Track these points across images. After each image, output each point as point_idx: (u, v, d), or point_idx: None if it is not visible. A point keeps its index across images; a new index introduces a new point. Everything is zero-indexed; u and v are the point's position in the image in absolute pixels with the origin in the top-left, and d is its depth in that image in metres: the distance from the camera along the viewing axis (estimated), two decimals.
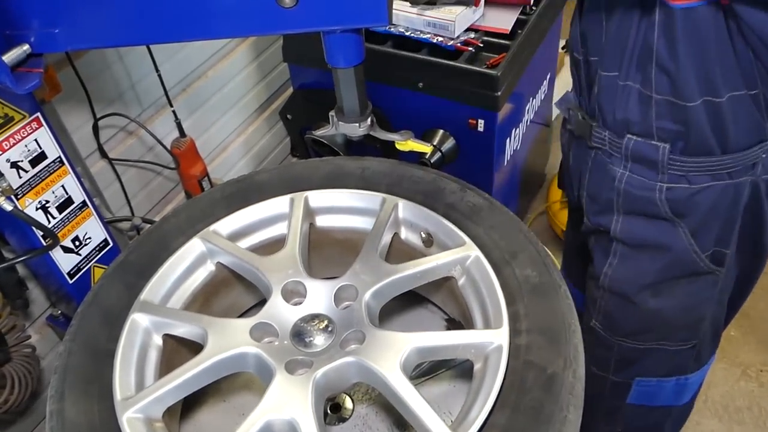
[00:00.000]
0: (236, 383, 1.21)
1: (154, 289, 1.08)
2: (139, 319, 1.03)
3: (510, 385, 0.87)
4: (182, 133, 1.69)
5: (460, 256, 1.05)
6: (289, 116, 2.07)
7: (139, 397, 0.93)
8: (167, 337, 1.06)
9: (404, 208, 1.14)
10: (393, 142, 1.08)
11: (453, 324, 1.19)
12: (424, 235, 1.13)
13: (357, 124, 1.02)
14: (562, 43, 2.85)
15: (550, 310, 0.96)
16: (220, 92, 1.88)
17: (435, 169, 1.22)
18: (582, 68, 1.12)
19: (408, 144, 1.07)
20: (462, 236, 1.07)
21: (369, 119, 1.02)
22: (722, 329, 1.24)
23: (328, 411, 1.13)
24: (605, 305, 1.18)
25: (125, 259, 1.13)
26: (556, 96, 2.55)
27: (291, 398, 0.90)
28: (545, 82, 2.13)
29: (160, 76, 1.58)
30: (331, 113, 1.03)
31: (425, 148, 1.06)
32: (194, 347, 1.03)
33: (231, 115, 1.95)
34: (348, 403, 1.15)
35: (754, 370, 2.04)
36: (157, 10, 0.83)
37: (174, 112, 1.65)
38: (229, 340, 0.98)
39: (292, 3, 0.81)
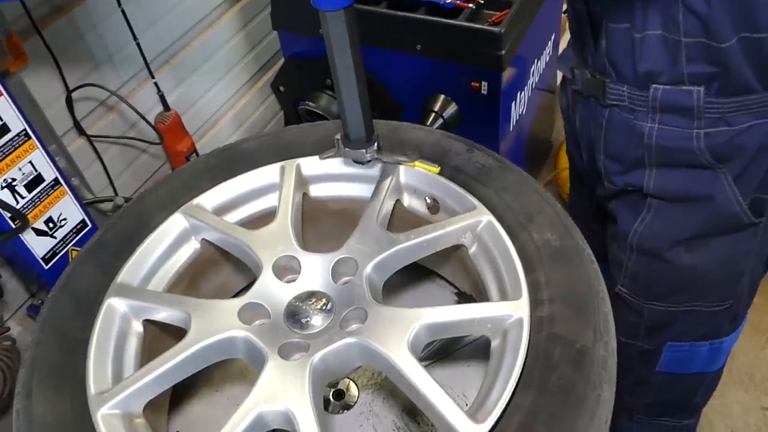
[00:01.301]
0: (230, 371, 1.12)
1: (132, 270, 0.97)
2: (115, 304, 0.93)
3: (534, 362, 0.77)
4: (166, 107, 1.58)
5: (471, 221, 0.94)
6: (281, 88, 1.96)
7: (116, 391, 0.83)
8: (148, 323, 0.96)
9: (406, 172, 1.03)
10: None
11: (464, 298, 1.09)
12: (429, 201, 1.02)
13: (364, 150, 0.98)
14: (564, 6, 2.75)
15: (574, 276, 0.85)
16: (206, 63, 1.76)
17: (438, 130, 1.11)
18: (585, 20, 1.01)
19: (416, 165, 1.01)
20: (471, 200, 0.96)
21: (375, 144, 0.98)
22: (758, 286, 1.14)
23: (331, 398, 1.04)
24: (633, 266, 1.09)
25: (100, 238, 1.03)
26: None
27: (285, 386, 0.80)
28: (549, 44, 2.01)
29: (138, 45, 1.47)
30: (337, 137, 0.99)
31: (433, 168, 1.00)
32: (179, 334, 0.92)
33: (219, 87, 1.84)
34: (353, 389, 1.06)
35: None
36: None
37: (156, 83, 1.54)
38: (215, 323, 0.88)
39: None
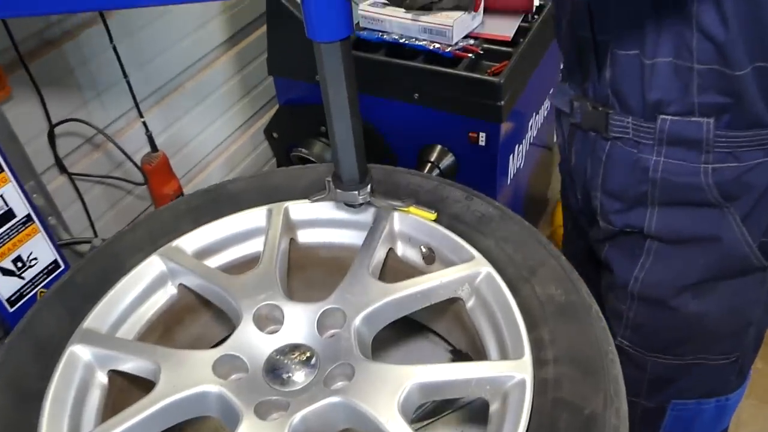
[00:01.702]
0: (203, 428, 1.03)
1: (100, 315, 0.90)
2: (79, 352, 0.85)
3: (537, 429, 0.69)
4: (154, 148, 1.53)
5: (469, 272, 0.87)
6: (275, 134, 1.93)
7: None
8: (115, 375, 0.87)
9: (400, 218, 0.97)
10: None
11: (460, 357, 1.01)
12: (424, 250, 0.96)
13: (356, 192, 0.93)
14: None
15: (581, 335, 0.78)
16: (199, 106, 1.73)
17: (436, 176, 1.05)
18: (589, 49, 0.97)
19: (410, 210, 0.96)
20: (470, 250, 0.90)
21: (368, 186, 0.93)
22: (762, 339, 1.07)
23: None
24: (635, 316, 1.02)
25: (69, 279, 0.95)
26: None
27: None
28: (548, 99, 1.99)
29: (129, 83, 1.42)
30: (328, 179, 0.94)
31: (429, 215, 0.95)
32: (150, 387, 0.84)
33: (211, 131, 1.79)
34: None
35: None
36: None
37: (145, 123, 1.49)
38: (187, 376, 0.80)
39: None
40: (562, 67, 1.14)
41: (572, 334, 0.78)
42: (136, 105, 1.48)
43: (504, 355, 0.81)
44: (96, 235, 1.48)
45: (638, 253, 0.99)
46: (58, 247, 1.19)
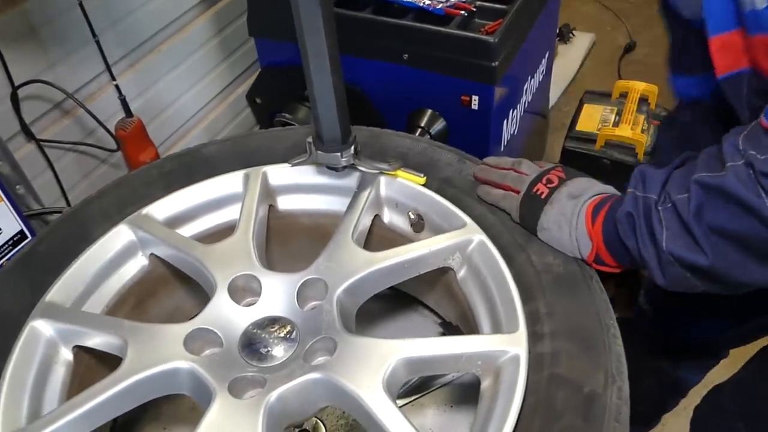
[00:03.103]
0: (181, 407, 0.98)
1: (64, 288, 0.84)
2: (40, 327, 0.79)
3: (532, 408, 0.64)
4: (128, 113, 1.45)
5: (460, 240, 0.82)
6: (257, 99, 1.84)
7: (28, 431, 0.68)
8: (81, 351, 0.81)
9: (387, 183, 0.91)
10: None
11: (449, 330, 0.96)
12: (413, 217, 0.90)
13: (339, 154, 0.86)
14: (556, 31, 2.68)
15: (580, 307, 0.73)
16: (176, 70, 1.64)
17: (426, 138, 0.99)
18: None
19: (398, 174, 0.90)
20: (461, 216, 0.84)
21: (352, 148, 0.87)
22: None
23: None
24: None
25: (31, 250, 0.89)
26: (555, 83, 2.35)
27: (235, 430, 0.66)
28: (543, 62, 1.92)
29: (98, 43, 1.34)
30: (309, 140, 0.88)
31: (418, 179, 0.89)
32: (117, 364, 0.78)
33: (190, 96, 1.71)
34: (320, 429, 0.92)
35: None
36: None
37: (117, 86, 1.40)
38: (156, 352, 0.74)
39: None
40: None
41: (571, 307, 0.73)
42: (108, 67, 1.39)
43: (497, 329, 0.75)
44: (69, 205, 1.40)
45: None
46: (25, 217, 1.12)
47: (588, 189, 0.78)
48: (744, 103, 0.73)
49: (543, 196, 0.79)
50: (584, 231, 0.75)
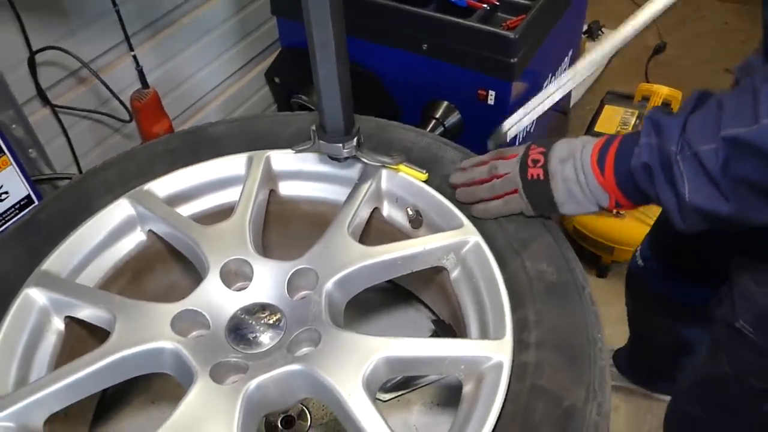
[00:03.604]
0: (170, 381, 0.98)
1: (61, 257, 0.84)
2: (34, 295, 0.80)
3: (511, 416, 0.64)
4: (145, 84, 1.45)
5: (455, 241, 0.81)
6: (276, 79, 1.84)
7: (12, 398, 0.70)
8: (72, 322, 0.82)
9: (389, 177, 0.90)
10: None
11: (442, 327, 0.95)
12: (411, 213, 0.89)
13: (341, 145, 0.86)
14: (584, 27, 2.63)
15: (569, 318, 0.72)
16: (196, 44, 1.64)
17: (431, 133, 0.98)
18: None
19: (400, 168, 0.89)
20: (459, 216, 0.83)
21: (355, 139, 0.86)
22: None
23: (280, 425, 0.91)
24: (765, 302, 0.90)
25: (32, 218, 0.90)
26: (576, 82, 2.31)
27: (211, 416, 0.67)
28: (566, 60, 1.89)
29: (118, 12, 1.34)
30: (313, 128, 0.88)
31: (420, 175, 0.88)
32: (106, 338, 0.79)
33: (208, 72, 1.71)
34: (304, 417, 0.92)
35: None
36: None
37: (135, 57, 1.41)
38: (142, 330, 0.75)
39: None
40: None
41: (560, 317, 0.71)
42: (127, 38, 1.39)
43: (484, 334, 0.75)
44: (80, 172, 1.42)
45: None
46: (32, 181, 1.13)
47: (573, 147, 0.78)
48: None
49: (542, 178, 0.78)
50: (597, 185, 0.75)
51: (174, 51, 1.59)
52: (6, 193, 1.07)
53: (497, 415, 0.63)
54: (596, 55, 0.99)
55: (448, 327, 0.93)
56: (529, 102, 1.02)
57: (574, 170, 0.76)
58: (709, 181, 0.65)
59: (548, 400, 0.64)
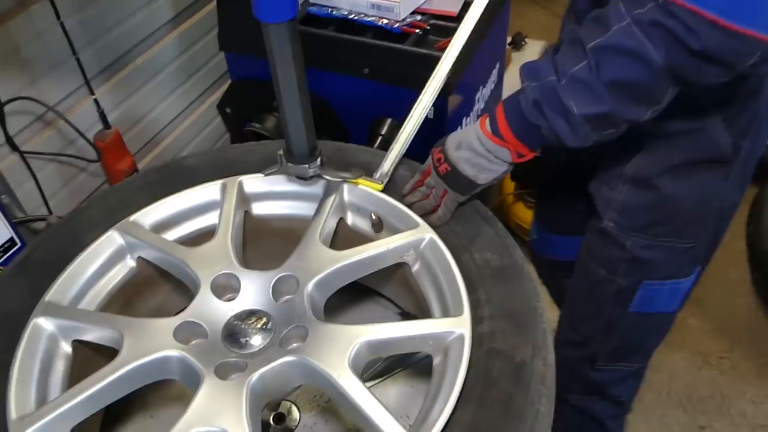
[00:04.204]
0: (166, 395, 1.08)
1: (61, 289, 0.93)
2: (42, 324, 0.89)
3: (474, 377, 0.77)
4: (106, 125, 1.53)
5: (414, 238, 0.94)
6: (228, 110, 1.94)
7: (39, 414, 0.79)
8: (78, 345, 0.92)
9: (350, 190, 1.03)
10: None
11: (407, 319, 1.08)
12: (374, 218, 1.02)
13: (307, 165, 1.00)
14: (508, 39, 2.83)
15: (513, 294, 0.86)
16: (150, 82, 1.73)
17: (382, 150, 1.11)
18: None
19: (359, 182, 1.03)
20: (415, 218, 0.97)
21: (318, 160, 1.00)
22: (716, 244, 1.23)
23: (272, 422, 1.01)
24: (624, 198, 1.12)
25: (28, 256, 0.99)
26: (510, 87, 2.50)
27: (222, 407, 0.78)
28: (494, 72, 2.06)
29: (78, 60, 1.42)
30: (280, 153, 1.01)
31: (376, 186, 1.03)
32: (112, 356, 0.88)
33: (163, 107, 1.79)
34: (294, 413, 1.03)
35: (714, 358, 2.01)
36: None
37: (96, 100, 1.49)
38: (149, 343, 0.85)
39: None
40: (569, 11, 1.21)
41: (505, 294, 0.86)
42: (87, 82, 1.47)
43: (446, 314, 0.88)
44: (50, 213, 1.48)
45: (634, 147, 1.09)
46: (14, 224, 1.20)
47: (461, 134, 0.98)
48: None
49: (449, 168, 0.96)
50: (496, 146, 0.93)
51: (130, 90, 1.67)
52: None
53: (464, 376, 0.76)
54: (438, 75, 1.19)
55: (413, 318, 1.05)
56: (398, 136, 1.15)
57: (470, 148, 0.94)
58: (589, 90, 0.83)
59: (503, 359, 0.77)
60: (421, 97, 1.14)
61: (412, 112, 1.14)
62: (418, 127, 1.14)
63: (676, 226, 1.14)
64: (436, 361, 0.83)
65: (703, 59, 0.78)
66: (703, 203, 1.12)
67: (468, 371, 0.77)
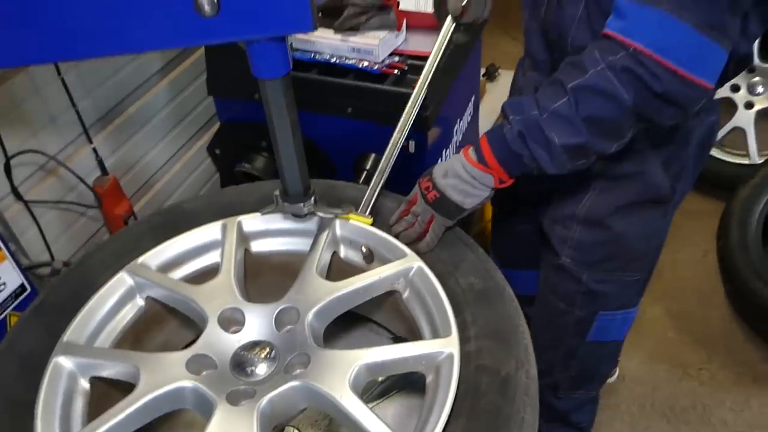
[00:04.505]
0: (176, 425, 1.14)
1: (78, 329, 1.00)
2: (62, 362, 0.95)
3: (464, 392, 0.85)
4: (104, 171, 1.61)
5: (403, 267, 1.02)
6: (217, 151, 2.02)
7: None
8: (96, 381, 0.98)
9: (341, 225, 1.11)
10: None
11: (399, 342, 1.16)
12: (365, 250, 1.10)
13: (302, 204, 1.07)
14: (482, 71, 2.96)
15: (496, 314, 0.94)
16: (143, 129, 1.81)
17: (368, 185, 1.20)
18: (557, 49, 1.17)
19: (350, 217, 1.11)
20: (403, 248, 1.05)
21: (312, 198, 1.08)
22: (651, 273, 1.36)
23: None
24: (578, 236, 1.24)
25: (44, 300, 1.05)
26: (486, 116, 2.61)
27: (235, 431, 0.84)
28: (470, 105, 2.17)
29: (77, 112, 1.51)
30: (276, 193, 1.08)
31: (366, 220, 1.11)
32: (127, 389, 0.95)
33: (156, 152, 1.88)
34: None
35: (694, 369, 2.09)
36: (71, 23, 0.78)
37: (95, 149, 1.57)
38: (164, 375, 0.92)
39: (212, 12, 0.78)
40: (525, 60, 1.33)
41: (489, 314, 0.94)
42: (85, 131, 1.56)
43: (435, 335, 0.96)
44: (53, 258, 1.55)
45: (585, 189, 1.21)
46: (23, 270, 1.27)
47: (446, 164, 1.07)
48: None
49: (438, 195, 1.05)
50: (480, 173, 1.03)
51: (125, 137, 1.76)
52: (4, 283, 1.20)
53: (455, 391, 0.84)
54: (405, 115, 1.29)
55: (403, 340, 1.13)
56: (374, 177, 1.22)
57: (456, 176, 1.04)
58: (569, 123, 0.95)
59: (489, 374, 0.85)
60: (394, 134, 1.25)
61: (387, 148, 1.23)
62: (393, 161, 1.22)
63: (625, 260, 1.26)
64: (429, 379, 0.91)
65: (663, 101, 0.92)
66: (646, 239, 1.25)
67: (458, 387, 0.85)
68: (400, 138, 1.22)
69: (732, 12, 0.90)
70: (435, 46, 1.31)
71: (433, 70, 1.30)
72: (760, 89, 2.55)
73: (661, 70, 0.89)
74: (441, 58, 1.31)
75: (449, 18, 1.33)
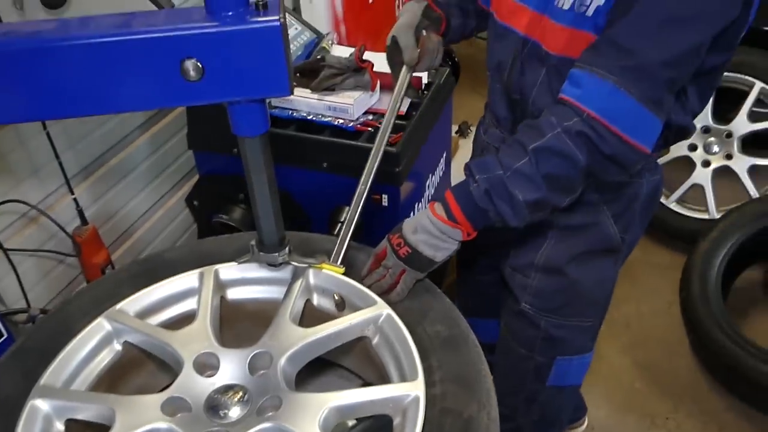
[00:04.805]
0: None
1: (55, 373, 1.03)
2: (39, 405, 0.98)
3: None
4: (84, 221, 1.65)
5: (373, 314, 1.07)
6: (195, 203, 2.07)
7: None
8: (71, 423, 1.00)
9: (315, 274, 1.16)
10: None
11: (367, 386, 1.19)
12: (337, 298, 1.15)
13: (276, 254, 1.13)
14: (455, 128, 3.07)
15: (461, 359, 1.00)
16: (123, 181, 1.86)
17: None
18: (518, 106, 1.28)
19: (323, 267, 1.16)
20: (373, 296, 1.10)
21: (287, 248, 1.13)
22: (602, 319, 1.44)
23: None
24: (536, 284, 1.31)
25: (21, 345, 1.08)
26: (456, 173, 2.71)
27: None
28: (442, 161, 2.26)
29: (60, 164, 1.56)
30: (252, 243, 1.13)
31: (338, 270, 1.16)
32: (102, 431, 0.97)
33: (136, 203, 1.92)
34: None
35: (661, 419, 2.14)
36: (63, 86, 0.84)
37: (75, 200, 1.61)
38: (139, 417, 0.95)
39: (197, 77, 0.85)
40: (486, 117, 1.44)
41: (454, 360, 0.99)
42: (67, 182, 1.60)
43: (403, 379, 1.00)
44: (29, 306, 1.56)
45: (542, 239, 1.30)
46: (0, 317, 1.29)
47: (414, 220, 1.13)
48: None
49: (410, 251, 1.11)
50: (448, 228, 1.09)
51: (106, 188, 1.80)
52: None
53: None
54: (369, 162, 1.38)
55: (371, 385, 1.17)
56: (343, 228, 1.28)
57: (426, 231, 1.10)
58: (530, 181, 1.03)
59: (453, 416, 0.90)
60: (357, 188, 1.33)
61: (354, 199, 1.30)
62: (359, 212, 1.29)
63: (581, 306, 1.34)
64: (396, 421, 0.95)
65: (610, 161, 1.02)
66: (600, 286, 1.34)
67: (423, 428, 0.89)
68: (365, 189, 1.28)
69: (669, 90, 1.02)
70: (393, 95, 1.40)
71: (393, 118, 1.40)
72: (715, 148, 2.70)
73: (608, 134, 1.00)
74: (399, 106, 1.41)
75: (404, 68, 1.41)
